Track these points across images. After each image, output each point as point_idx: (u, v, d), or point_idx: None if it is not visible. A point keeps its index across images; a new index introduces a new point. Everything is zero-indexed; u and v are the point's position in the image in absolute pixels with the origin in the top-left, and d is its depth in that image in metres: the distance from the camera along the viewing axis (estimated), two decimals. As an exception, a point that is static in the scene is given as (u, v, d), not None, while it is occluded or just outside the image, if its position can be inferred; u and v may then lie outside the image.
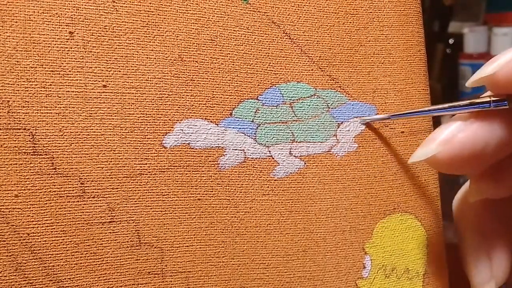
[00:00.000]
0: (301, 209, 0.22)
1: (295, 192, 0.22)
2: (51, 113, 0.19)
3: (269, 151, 0.22)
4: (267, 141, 0.21)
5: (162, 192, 0.20)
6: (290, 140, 0.22)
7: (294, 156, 0.22)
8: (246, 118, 0.21)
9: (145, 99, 0.20)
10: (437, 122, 0.23)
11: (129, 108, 0.20)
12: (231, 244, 0.21)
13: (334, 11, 0.23)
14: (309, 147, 0.22)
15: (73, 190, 0.19)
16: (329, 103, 0.22)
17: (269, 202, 0.21)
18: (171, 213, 0.20)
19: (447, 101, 0.21)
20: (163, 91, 0.20)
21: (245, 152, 0.21)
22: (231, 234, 0.21)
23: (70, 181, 0.19)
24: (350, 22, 0.23)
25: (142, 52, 0.20)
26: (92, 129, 0.19)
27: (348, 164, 0.23)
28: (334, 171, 0.22)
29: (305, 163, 0.22)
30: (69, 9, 0.19)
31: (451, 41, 0.94)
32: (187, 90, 0.20)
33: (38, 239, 0.18)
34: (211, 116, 0.21)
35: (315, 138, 0.22)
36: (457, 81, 0.89)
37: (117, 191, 0.19)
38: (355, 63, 0.23)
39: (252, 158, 0.21)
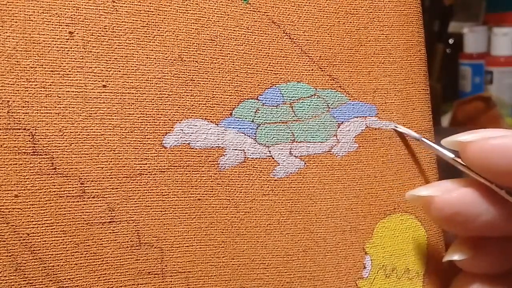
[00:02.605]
0: (301, 209, 0.22)
1: (295, 192, 0.22)
2: (51, 113, 0.19)
3: (269, 151, 0.22)
4: (267, 141, 0.21)
5: (162, 192, 0.20)
6: (290, 140, 0.22)
7: (294, 156, 0.22)
8: (246, 118, 0.21)
9: (145, 99, 0.20)
10: (437, 123, 0.23)
11: (129, 108, 0.20)
12: (231, 244, 0.21)
13: (334, 11, 0.23)
14: (309, 147, 0.22)
15: (73, 190, 0.19)
16: (329, 103, 0.22)
17: (269, 202, 0.21)
18: (171, 213, 0.20)
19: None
20: (163, 91, 0.20)
21: (245, 152, 0.21)
22: (231, 234, 0.21)
23: (70, 181, 0.19)
24: (350, 22, 0.23)
25: (142, 52, 0.20)
26: (92, 129, 0.19)
27: (348, 164, 0.23)
28: (334, 171, 0.22)
29: (305, 163, 0.22)
30: (69, 9, 0.19)
31: (451, 41, 0.94)
32: (187, 90, 0.20)
33: (38, 239, 0.18)
34: (211, 116, 0.21)
35: (315, 138, 0.22)
36: (457, 81, 0.89)
37: (117, 191, 0.19)
38: (355, 63, 0.23)
39: (252, 158, 0.21)
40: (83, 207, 0.19)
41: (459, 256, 0.20)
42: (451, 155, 0.20)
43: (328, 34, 0.22)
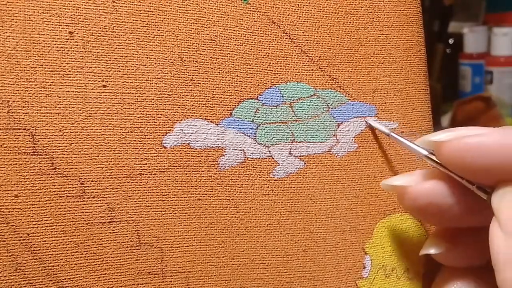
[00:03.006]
0: (301, 209, 0.22)
1: (295, 192, 0.22)
2: (51, 113, 0.19)
3: (269, 151, 0.22)
4: (267, 141, 0.21)
5: (162, 192, 0.20)
6: (290, 140, 0.22)
7: (294, 156, 0.22)
8: (246, 118, 0.21)
9: (145, 99, 0.20)
10: (437, 123, 0.23)
11: (129, 108, 0.20)
12: (231, 244, 0.21)
13: (334, 11, 0.23)
14: (309, 147, 0.22)
15: (73, 190, 0.19)
16: (329, 103, 0.22)
17: (269, 202, 0.21)
18: (171, 213, 0.20)
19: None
20: (163, 91, 0.20)
21: (245, 152, 0.21)
22: (231, 234, 0.21)
23: (70, 181, 0.19)
24: (350, 22, 0.23)
25: (142, 52, 0.20)
26: (92, 129, 0.19)
27: (348, 164, 0.23)
28: (334, 171, 0.22)
29: (305, 163, 0.22)
30: (69, 9, 0.19)
31: (451, 41, 0.94)
32: (187, 90, 0.20)
33: (38, 239, 0.18)
34: (211, 116, 0.21)
35: (315, 138, 0.22)
36: (457, 81, 0.89)
37: (117, 191, 0.19)
38: (355, 63, 0.23)
39: (252, 158, 0.21)
40: (83, 207, 0.19)
41: (435, 249, 0.21)
42: (425, 152, 0.20)
43: (328, 34, 0.22)
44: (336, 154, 0.23)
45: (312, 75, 0.22)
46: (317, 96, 0.22)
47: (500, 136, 0.17)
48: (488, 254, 0.16)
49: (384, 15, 0.23)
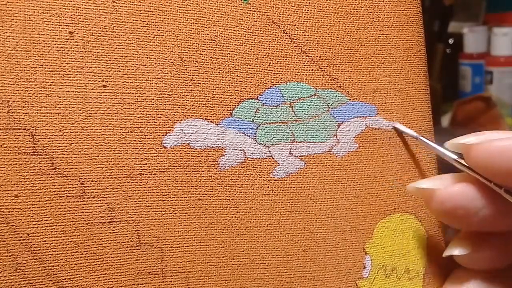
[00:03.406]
0: (301, 209, 0.22)
1: (295, 192, 0.22)
2: (51, 113, 0.19)
3: (269, 151, 0.22)
4: (267, 141, 0.21)
5: (162, 192, 0.20)
6: (290, 140, 0.22)
7: (294, 156, 0.22)
8: (246, 118, 0.21)
9: (145, 99, 0.20)
10: (437, 123, 0.23)
11: (129, 108, 0.20)
12: (231, 244, 0.21)
13: (334, 11, 0.23)
14: (309, 147, 0.22)
15: (73, 190, 0.19)
16: (329, 103, 0.22)
17: (269, 202, 0.21)
18: (171, 213, 0.20)
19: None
20: (163, 91, 0.20)
21: (245, 152, 0.21)
22: (231, 234, 0.21)
23: (70, 181, 0.19)
24: (350, 22, 0.23)
25: (142, 52, 0.20)
26: (92, 129, 0.19)
27: (348, 164, 0.23)
28: (334, 171, 0.22)
29: (305, 163, 0.22)
30: (69, 9, 0.19)
31: (451, 41, 0.94)
32: (187, 90, 0.20)
33: (38, 239, 0.18)
34: (211, 116, 0.21)
35: (315, 138, 0.22)
36: (457, 81, 0.89)
37: (117, 191, 0.19)
38: (355, 63, 0.23)
39: (252, 158, 0.21)
40: (83, 207, 0.19)
41: (460, 251, 0.21)
42: (454, 156, 0.20)
43: (328, 34, 0.22)
44: (337, 154, 0.23)
45: (313, 75, 0.22)
46: (318, 96, 0.22)
47: None
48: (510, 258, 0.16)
49: (384, 15, 0.23)
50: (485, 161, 0.18)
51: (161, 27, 0.20)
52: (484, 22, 0.93)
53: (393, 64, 0.23)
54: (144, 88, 0.20)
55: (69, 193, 0.19)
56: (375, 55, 0.23)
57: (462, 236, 0.21)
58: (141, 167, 0.20)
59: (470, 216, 0.19)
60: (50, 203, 0.19)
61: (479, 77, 0.86)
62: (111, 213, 0.19)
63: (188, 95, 0.20)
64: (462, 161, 0.19)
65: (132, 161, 0.20)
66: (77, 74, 0.19)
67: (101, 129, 0.19)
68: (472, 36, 0.88)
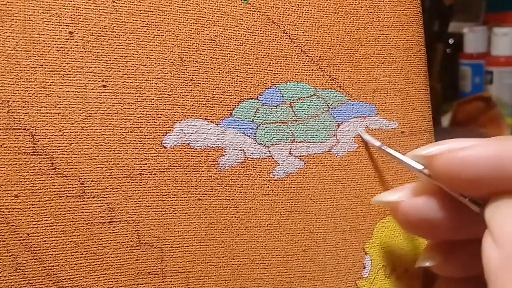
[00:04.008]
0: (301, 209, 0.22)
1: (295, 192, 0.22)
2: (51, 113, 0.19)
3: (269, 151, 0.22)
4: (267, 141, 0.21)
5: (162, 192, 0.20)
6: (290, 140, 0.22)
7: (294, 156, 0.22)
8: (246, 118, 0.21)
9: (145, 99, 0.20)
10: (437, 123, 0.23)
11: (129, 108, 0.20)
12: (231, 244, 0.21)
13: (334, 11, 0.23)
14: (309, 147, 0.22)
15: (73, 190, 0.19)
16: (329, 103, 0.22)
17: (269, 202, 0.21)
18: (171, 213, 0.20)
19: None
20: (163, 91, 0.20)
21: (245, 152, 0.21)
22: (231, 234, 0.21)
23: (70, 181, 0.19)
24: (350, 22, 0.23)
25: (142, 52, 0.20)
26: (92, 129, 0.19)
27: (348, 164, 0.23)
28: (334, 171, 0.22)
29: (305, 163, 0.22)
30: (69, 9, 0.19)
31: (451, 41, 0.94)
32: (187, 90, 0.20)
33: (38, 239, 0.18)
34: (211, 116, 0.21)
35: (315, 138, 0.22)
36: (457, 81, 0.89)
37: (117, 191, 0.19)
38: (355, 63, 0.23)
39: (252, 158, 0.21)
40: (83, 207, 0.19)
41: (430, 262, 0.20)
42: (418, 166, 0.19)
43: (328, 34, 0.22)
44: (336, 154, 0.23)
45: (312, 75, 0.22)
46: (317, 96, 0.22)
47: (491, 148, 0.17)
48: (482, 265, 0.16)
49: (384, 15, 0.23)
50: (447, 172, 0.17)
51: (161, 27, 0.20)
52: (484, 22, 0.93)
53: (393, 64, 0.23)
54: (144, 88, 0.20)
55: (69, 193, 0.19)
56: (375, 55, 0.23)
57: (431, 246, 0.21)
58: (141, 167, 0.20)
59: (435, 227, 0.19)
60: (50, 203, 0.19)
61: (479, 77, 0.86)
62: (111, 213, 0.19)
63: (188, 95, 0.20)
64: (427, 171, 0.19)
65: (132, 161, 0.20)
66: (77, 74, 0.19)
67: (101, 129, 0.19)
68: (472, 36, 0.88)
